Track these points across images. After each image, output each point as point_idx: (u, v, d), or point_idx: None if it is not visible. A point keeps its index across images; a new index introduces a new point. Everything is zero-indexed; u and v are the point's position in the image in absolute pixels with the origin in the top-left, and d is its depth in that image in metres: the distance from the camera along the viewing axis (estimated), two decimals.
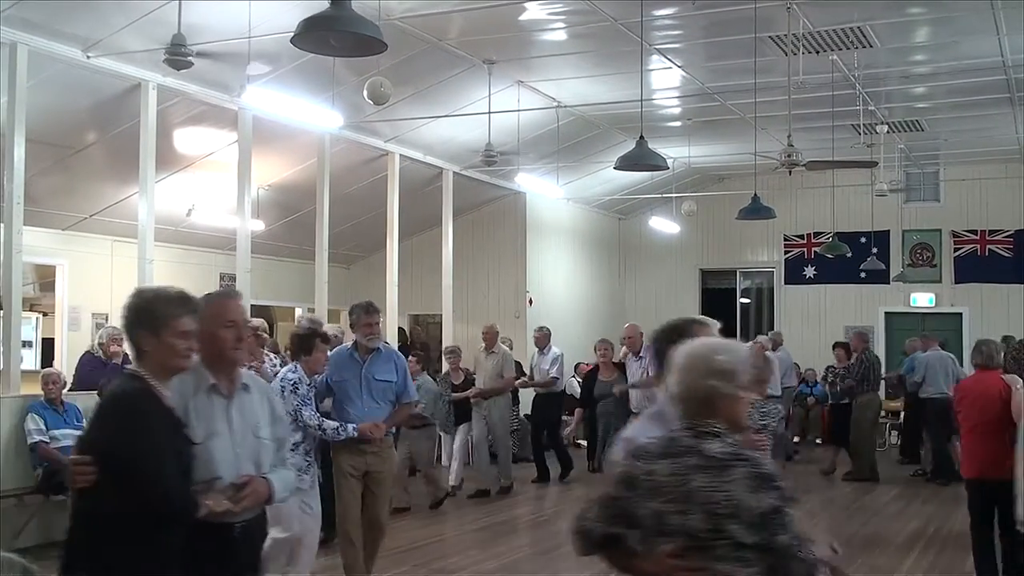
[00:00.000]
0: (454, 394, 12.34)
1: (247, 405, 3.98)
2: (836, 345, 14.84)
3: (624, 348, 11.79)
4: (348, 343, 7.50)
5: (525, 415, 14.75)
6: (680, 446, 2.89)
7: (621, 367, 11.64)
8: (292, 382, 6.77)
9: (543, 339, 13.68)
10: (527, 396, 14.47)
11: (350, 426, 6.91)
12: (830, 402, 14.93)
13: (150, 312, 3.56)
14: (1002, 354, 7.53)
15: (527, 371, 14.20)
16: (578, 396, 14.01)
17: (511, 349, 13.78)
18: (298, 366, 6.87)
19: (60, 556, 3.46)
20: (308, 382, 6.90)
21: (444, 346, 13.72)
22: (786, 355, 15.59)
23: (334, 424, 6.90)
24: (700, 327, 3.56)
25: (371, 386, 7.11)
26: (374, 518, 7.19)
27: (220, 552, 3.74)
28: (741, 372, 2.94)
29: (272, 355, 8.83)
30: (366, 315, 7.22)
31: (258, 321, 8.53)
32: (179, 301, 3.63)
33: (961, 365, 13.83)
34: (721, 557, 2.73)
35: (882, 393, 14.75)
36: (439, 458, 12.95)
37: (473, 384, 12.57)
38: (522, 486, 12.72)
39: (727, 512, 2.73)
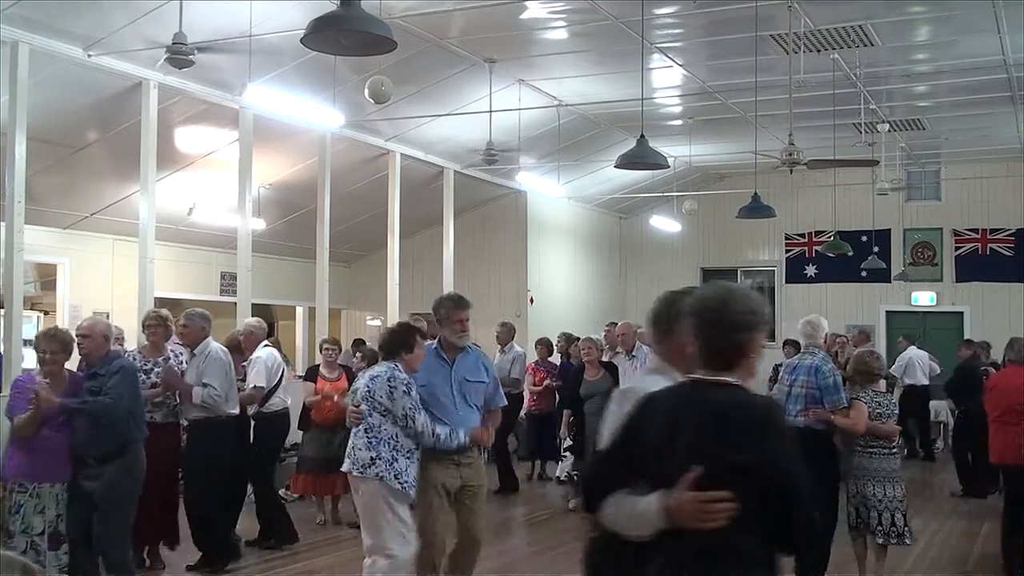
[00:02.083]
0: None
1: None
2: (786, 343, 13.93)
3: (607, 345, 11.24)
4: (431, 342, 6.54)
5: None
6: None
7: (609, 366, 10.77)
8: (405, 382, 6.04)
9: (505, 336, 12.51)
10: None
11: (461, 432, 6.14)
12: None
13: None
14: None
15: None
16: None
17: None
18: (399, 365, 6.14)
19: None
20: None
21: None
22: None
23: (447, 430, 6.11)
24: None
25: (464, 389, 6.35)
26: (474, 535, 6.44)
27: None
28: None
29: (180, 346, 8.27)
30: (456, 309, 6.40)
31: (165, 312, 8.25)
32: None
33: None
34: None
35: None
36: None
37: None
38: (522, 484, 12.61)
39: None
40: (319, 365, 10.25)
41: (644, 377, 3.72)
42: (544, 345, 13.18)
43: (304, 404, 10.10)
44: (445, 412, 6.21)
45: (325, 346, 11.10)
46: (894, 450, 7.36)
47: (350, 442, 6.19)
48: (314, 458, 9.82)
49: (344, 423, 9.42)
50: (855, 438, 7.25)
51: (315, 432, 9.89)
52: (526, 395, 12.80)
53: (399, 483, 5.94)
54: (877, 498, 7.16)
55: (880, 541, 7.21)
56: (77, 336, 6.84)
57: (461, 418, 6.23)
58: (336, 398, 9.60)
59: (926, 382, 15.13)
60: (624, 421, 3.03)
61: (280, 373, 9.15)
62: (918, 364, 15.05)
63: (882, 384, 7.64)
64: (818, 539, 3.07)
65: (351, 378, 9.88)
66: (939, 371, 16.41)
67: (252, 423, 8.96)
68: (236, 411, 8.15)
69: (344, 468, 6.20)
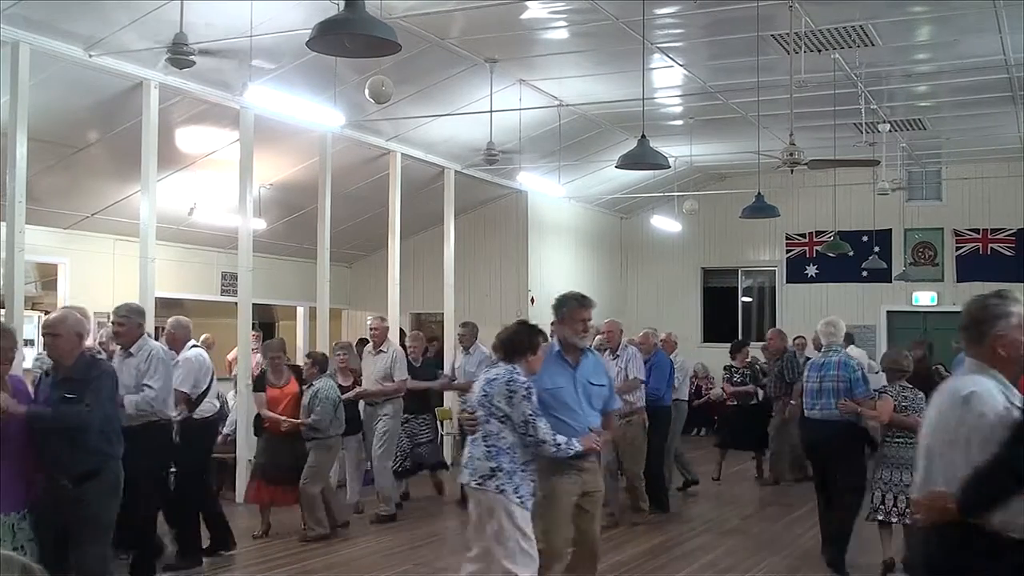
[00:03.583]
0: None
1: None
2: (735, 346, 14.18)
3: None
4: (553, 343, 6.30)
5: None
6: None
7: None
8: (525, 386, 5.72)
9: (468, 337, 11.37)
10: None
11: (575, 440, 5.82)
12: (735, 403, 13.84)
13: None
14: None
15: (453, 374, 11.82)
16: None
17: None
18: (518, 367, 5.81)
19: None
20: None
21: (334, 342, 12.31)
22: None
23: (565, 438, 5.78)
24: None
25: (588, 392, 6.08)
26: (592, 540, 6.22)
27: None
28: None
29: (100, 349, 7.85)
30: (580, 308, 6.10)
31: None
32: None
33: None
34: None
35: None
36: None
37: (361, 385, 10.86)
38: None
39: None
40: (265, 372, 9.79)
41: (975, 378, 3.65)
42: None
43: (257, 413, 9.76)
44: (573, 417, 5.96)
45: (337, 351, 10.98)
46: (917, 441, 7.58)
47: (467, 450, 5.91)
48: (266, 464, 9.47)
49: (298, 433, 9.36)
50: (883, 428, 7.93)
51: (269, 438, 9.53)
52: None
53: (517, 497, 5.64)
54: (894, 482, 7.77)
55: (895, 521, 7.83)
56: (45, 334, 5.97)
57: (587, 423, 6.00)
58: (284, 424, 9.30)
59: None
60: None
61: (210, 376, 8.43)
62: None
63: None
64: None
65: (301, 382, 9.68)
66: (877, 371, 16.57)
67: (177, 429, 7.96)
68: (175, 414, 7.69)
69: (462, 479, 5.89)
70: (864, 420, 8.19)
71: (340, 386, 10.25)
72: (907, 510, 7.49)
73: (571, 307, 6.11)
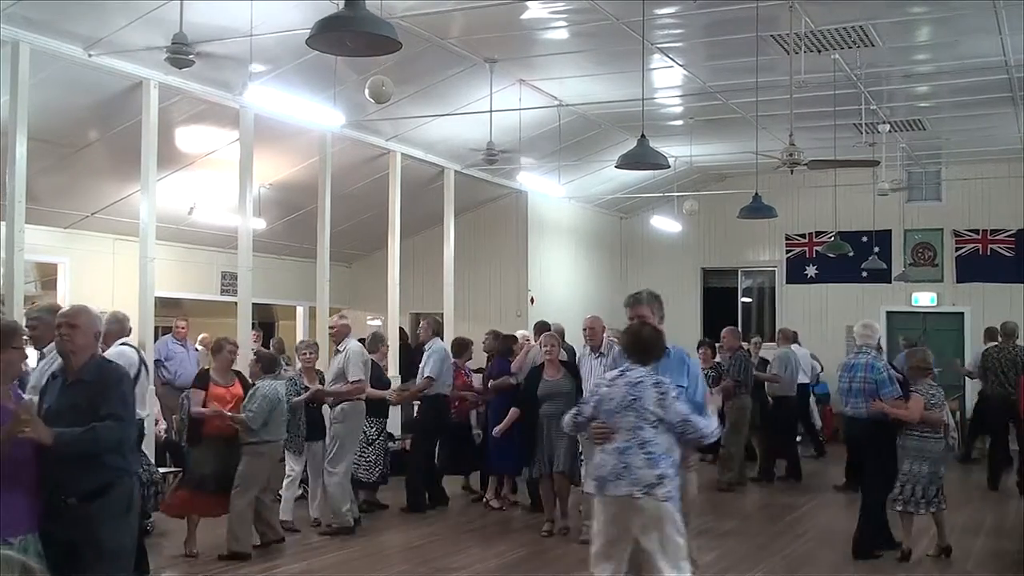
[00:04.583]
0: (294, 399, 9.73)
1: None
2: (700, 344, 13.93)
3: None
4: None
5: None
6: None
7: (569, 366, 10.01)
8: (673, 386, 5.59)
9: (427, 330, 11.24)
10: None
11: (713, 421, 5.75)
12: None
13: None
14: None
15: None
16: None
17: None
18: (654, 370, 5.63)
19: None
20: None
21: (298, 340, 11.76)
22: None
23: (708, 420, 5.68)
24: None
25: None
26: None
27: None
28: None
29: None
30: (660, 307, 5.99)
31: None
32: None
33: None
34: None
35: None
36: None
37: (322, 388, 10.21)
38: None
39: None
40: (209, 370, 9.13)
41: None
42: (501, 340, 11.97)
43: (191, 416, 8.87)
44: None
45: (303, 350, 10.27)
46: (940, 435, 8.69)
47: (613, 460, 5.50)
48: (205, 475, 8.64)
49: (235, 439, 8.56)
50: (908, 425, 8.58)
51: (209, 445, 8.71)
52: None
53: (678, 502, 5.46)
54: (914, 473, 8.51)
55: (921, 512, 8.58)
56: (59, 325, 5.19)
57: None
58: (229, 413, 8.68)
59: (807, 381, 15.33)
60: None
61: (137, 377, 7.04)
62: (800, 363, 14.60)
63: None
64: None
65: (246, 385, 9.02)
66: (820, 370, 16.74)
67: None
68: None
69: (621, 492, 5.43)
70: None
71: (307, 388, 9.97)
72: (934, 499, 8.54)
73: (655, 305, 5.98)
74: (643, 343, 5.68)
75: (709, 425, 5.62)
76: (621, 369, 5.72)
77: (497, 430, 10.57)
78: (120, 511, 5.06)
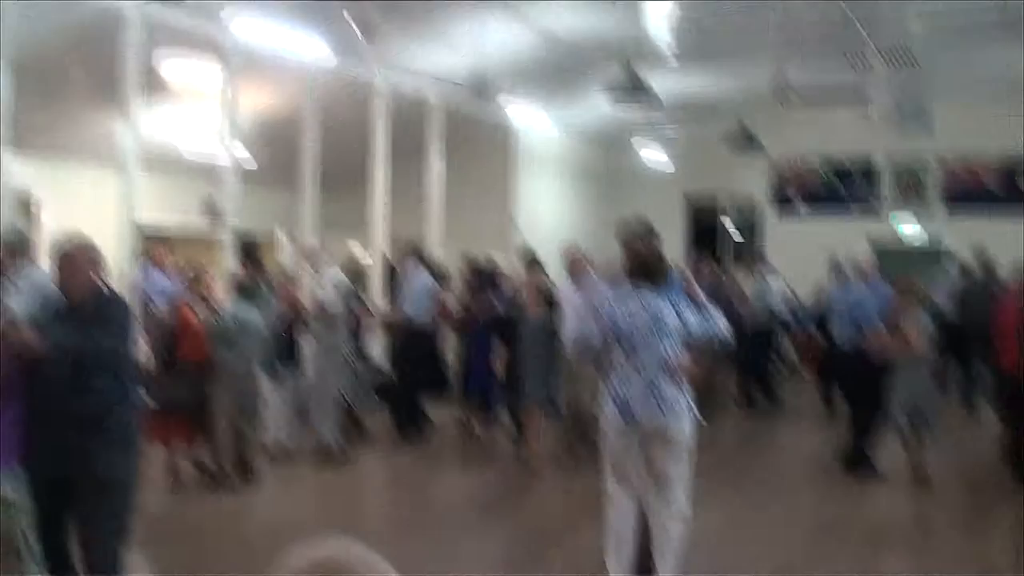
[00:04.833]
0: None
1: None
2: (696, 263, 13.93)
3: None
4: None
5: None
6: None
7: (549, 301, 9.76)
8: None
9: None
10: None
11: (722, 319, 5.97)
12: None
13: None
14: None
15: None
16: None
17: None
18: None
19: None
20: None
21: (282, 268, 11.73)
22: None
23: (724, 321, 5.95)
24: None
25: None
26: None
27: None
28: None
29: None
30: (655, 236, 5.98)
31: None
32: None
33: None
34: None
35: None
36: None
37: (302, 315, 10.15)
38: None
39: None
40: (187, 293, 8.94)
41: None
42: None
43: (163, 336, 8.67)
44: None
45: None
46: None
47: (640, 387, 5.52)
48: (178, 399, 8.34)
49: (205, 364, 8.31)
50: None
51: (184, 368, 8.50)
52: None
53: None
54: (917, 395, 8.92)
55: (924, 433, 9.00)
56: (57, 262, 4.87)
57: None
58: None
59: (782, 312, 14.94)
60: None
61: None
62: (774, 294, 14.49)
63: None
64: None
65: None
66: (797, 302, 16.41)
67: None
68: None
69: (654, 423, 5.50)
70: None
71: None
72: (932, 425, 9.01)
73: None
74: (649, 264, 5.63)
75: (722, 324, 5.72)
76: (626, 292, 5.66)
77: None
78: (117, 444, 4.75)
